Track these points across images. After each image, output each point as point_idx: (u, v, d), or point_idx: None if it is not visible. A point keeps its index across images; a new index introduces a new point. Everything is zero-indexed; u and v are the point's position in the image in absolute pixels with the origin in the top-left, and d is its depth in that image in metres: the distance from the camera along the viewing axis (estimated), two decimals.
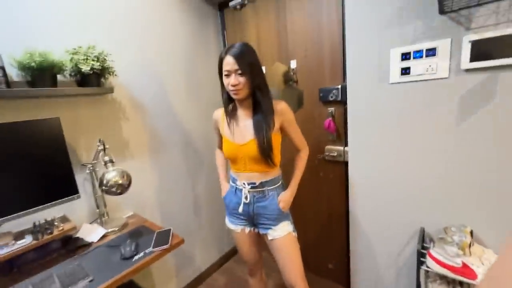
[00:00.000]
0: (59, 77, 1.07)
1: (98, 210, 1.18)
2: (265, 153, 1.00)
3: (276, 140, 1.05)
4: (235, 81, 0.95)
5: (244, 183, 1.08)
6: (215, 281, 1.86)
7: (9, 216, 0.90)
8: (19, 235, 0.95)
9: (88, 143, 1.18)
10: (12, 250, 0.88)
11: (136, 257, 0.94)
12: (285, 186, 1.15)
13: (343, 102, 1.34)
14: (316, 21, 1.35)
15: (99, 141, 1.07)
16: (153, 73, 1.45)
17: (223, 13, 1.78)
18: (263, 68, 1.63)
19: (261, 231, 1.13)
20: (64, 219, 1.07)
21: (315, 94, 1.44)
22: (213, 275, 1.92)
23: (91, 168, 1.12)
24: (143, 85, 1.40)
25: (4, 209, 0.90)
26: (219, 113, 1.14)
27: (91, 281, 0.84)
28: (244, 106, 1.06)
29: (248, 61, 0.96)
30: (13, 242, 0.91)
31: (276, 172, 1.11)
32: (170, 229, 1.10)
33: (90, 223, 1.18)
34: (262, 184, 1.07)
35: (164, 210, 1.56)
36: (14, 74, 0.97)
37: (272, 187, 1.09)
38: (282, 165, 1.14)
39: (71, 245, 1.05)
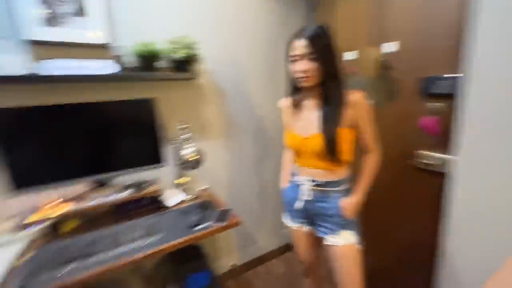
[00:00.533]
0: (157, 63, 1.28)
1: (179, 179, 1.38)
2: (329, 149, 0.90)
3: (346, 135, 0.92)
4: (304, 67, 0.86)
5: (305, 179, 1.01)
6: (274, 266, 1.90)
7: (118, 172, 1.19)
8: (123, 189, 1.23)
9: (175, 122, 1.38)
10: (119, 197, 1.15)
11: (198, 227, 1.05)
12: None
13: (454, 97, 1.02)
14: None
15: (182, 121, 1.23)
16: (235, 60, 1.53)
17: None
18: (355, 53, 1.44)
19: (319, 233, 1.04)
20: (153, 182, 1.31)
21: (413, 85, 1.15)
22: (273, 261, 1.96)
23: (176, 143, 1.30)
24: (225, 71, 1.50)
25: (114, 165, 1.18)
26: (286, 103, 1.08)
27: (162, 237, 1.00)
28: (312, 96, 0.96)
29: (322, 45, 0.85)
30: (119, 193, 1.18)
31: (343, 173, 0.98)
32: (231, 209, 1.17)
33: (172, 190, 1.40)
34: (325, 184, 0.97)
35: (232, 190, 1.68)
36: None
37: (336, 189, 0.97)
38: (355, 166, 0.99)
39: (155, 204, 1.27)
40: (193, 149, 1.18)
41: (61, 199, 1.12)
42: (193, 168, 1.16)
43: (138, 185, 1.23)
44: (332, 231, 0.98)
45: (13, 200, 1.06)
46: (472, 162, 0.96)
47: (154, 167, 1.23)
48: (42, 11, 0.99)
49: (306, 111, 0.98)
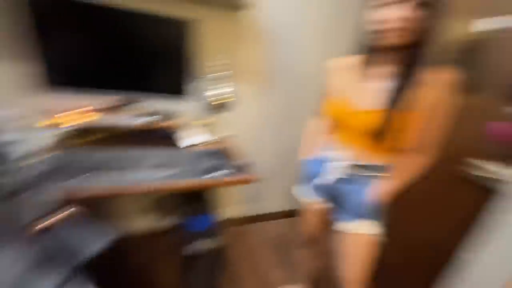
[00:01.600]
0: None
1: (202, 120, 1.31)
2: (382, 131, 0.74)
3: (412, 121, 0.73)
4: (404, 13, 0.63)
5: (340, 156, 0.88)
6: (273, 227, 1.93)
7: (145, 93, 1.14)
8: (147, 114, 1.18)
9: (214, 54, 1.25)
10: (143, 122, 1.12)
11: (212, 174, 1.01)
12: None
13: None
14: None
15: (221, 55, 1.10)
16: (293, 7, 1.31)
17: None
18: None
19: (337, 215, 0.96)
20: (178, 115, 1.25)
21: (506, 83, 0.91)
22: (274, 222, 1.99)
23: (211, 79, 1.19)
24: (280, 11, 1.31)
25: (143, 85, 1.13)
26: (340, 64, 0.88)
27: (176, 173, 0.97)
28: (386, 61, 0.74)
29: None
30: (142, 117, 1.14)
31: (387, 160, 0.83)
32: (253, 163, 1.11)
33: (195, 128, 1.35)
34: (359, 167, 0.84)
35: (255, 142, 1.63)
36: None
37: (375, 174, 0.84)
38: None
39: (174, 138, 1.23)
40: (229, 89, 1.07)
41: (89, 108, 1.10)
42: (224, 110, 1.07)
43: (162, 115, 1.18)
44: (352, 216, 0.90)
45: (45, 97, 1.05)
46: None
47: (181, 99, 1.16)
48: None
49: (369, 79, 0.80)
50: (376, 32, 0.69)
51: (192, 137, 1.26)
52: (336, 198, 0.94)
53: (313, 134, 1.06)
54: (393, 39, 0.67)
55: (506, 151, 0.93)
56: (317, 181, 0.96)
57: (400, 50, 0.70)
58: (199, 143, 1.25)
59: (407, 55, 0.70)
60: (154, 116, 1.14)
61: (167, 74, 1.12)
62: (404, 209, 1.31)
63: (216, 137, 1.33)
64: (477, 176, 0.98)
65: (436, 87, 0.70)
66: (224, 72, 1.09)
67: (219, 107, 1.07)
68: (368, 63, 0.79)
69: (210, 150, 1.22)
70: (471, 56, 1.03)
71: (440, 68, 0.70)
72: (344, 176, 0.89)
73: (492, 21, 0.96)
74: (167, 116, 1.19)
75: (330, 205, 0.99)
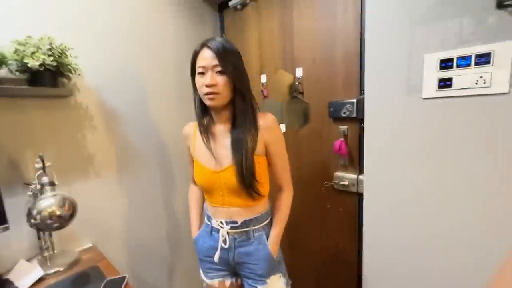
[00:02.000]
0: (3, 72, 0.86)
1: (40, 242, 0.92)
2: (246, 183, 0.75)
3: (263, 164, 0.81)
4: (212, 81, 0.71)
5: (221, 222, 0.82)
6: None
7: None
8: None
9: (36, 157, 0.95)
10: None
11: None
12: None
13: (358, 120, 1.08)
14: (328, 20, 1.12)
15: (39, 157, 0.82)
16: (133, 76, 1.23)
17: (222, 15, 1.59)
18: (264, 76, 1.42)
19: (246, 286, 0.85)
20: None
21: (324, 109, 1.18)
22: None
23: (35, 188, 0.87)
24: (119, 89, 1.18)
25: None
26: (191, 129, 0.89)
27: None
28: (222, 119, 0.81)
29: (231, 59, 0.73)
30: None
31: (263, 206, 0.85)
32: (124, 277, 0.83)
33: (29, 260, 0.92)
34: (245, 223, 0.81)
35: (134, 240, 1.28)
36: None
37: (258, 226, 0.83)
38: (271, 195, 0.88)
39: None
40: (54, 199, 0.78)
41: None
42: (58, 227, 0.77)
43: None
44: (260, 280, 0.82)
45: None
46: (375, 180, 1.01)
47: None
48: None
49: (217, 138, 0.82)
50: (204, 94, 0.74)
51: (26, 276, 0.84)
52: (238, 267, 0.85)
53: (193, 204, 0.99)
54: (213, 102, 0.74)
55: (345, 162, 1.16)
56: (215, 256, 0.83)
57: (225, 109, 0.79)
58: (41, 279, 0.84)
59: (231, 113, 0.79)
60: None
61: None
62: (297, 237, 1.38)
63: (72, 258, 0.96)
64: (343, 185, 1.15)
65: (267, 129, 0.79)
66: (47, 177, 0.82)
67: (50, 223, 0.76)
68: (207, 124, 0.83)
69: (62, 281, 0.84)
70: (295, 95, 1.29)
71: (264, 114, 0.81)
72: (232, 243, 0.82)
73: (297, 70, 1.26)
74: None
75: (235, 277, 0.89)
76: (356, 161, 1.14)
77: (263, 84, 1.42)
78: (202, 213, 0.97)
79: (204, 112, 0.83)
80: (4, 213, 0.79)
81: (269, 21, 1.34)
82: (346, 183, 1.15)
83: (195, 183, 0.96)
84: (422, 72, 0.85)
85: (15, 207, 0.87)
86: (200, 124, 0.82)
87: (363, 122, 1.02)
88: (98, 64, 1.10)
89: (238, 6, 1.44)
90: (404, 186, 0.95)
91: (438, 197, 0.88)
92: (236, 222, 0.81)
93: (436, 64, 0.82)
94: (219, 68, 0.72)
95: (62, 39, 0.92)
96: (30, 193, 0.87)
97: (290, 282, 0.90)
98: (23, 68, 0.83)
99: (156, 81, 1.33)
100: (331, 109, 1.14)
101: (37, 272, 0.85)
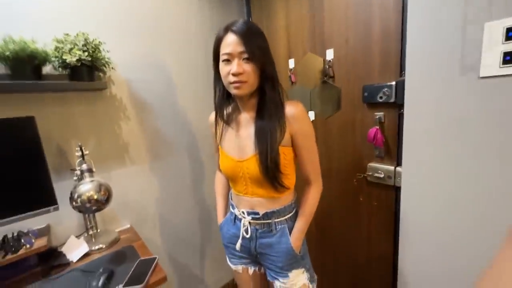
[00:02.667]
0: (49, 69, 0.95)
1: (86, 222, 1.03)
2: (269, 174, 0.72)
3: (288, 155, 0.76)
4: (238, 69, 0.67)
5: (243, 212, 0.81)
6: None
7: None
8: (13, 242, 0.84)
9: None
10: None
11: None
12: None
13: (397, 105, 0.96)
14: None
15: (78, 146, 0.90)
16: (162, 68, 1.27)
17: (248, 0, 1.52)
18: (291, 61, 1.35)
19: (268, 277, 0.85)
20: (43, 232, 0.94)
21: (357, 94, 1.08)
22: None
23: (75, 174, 0.97)
24: (150, 80, 1.23)
25: None
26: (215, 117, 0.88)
27: None
28: (248, 107, 0.77)
29: (258, 43, 0.68)
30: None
31: (288, 198, 0.82)
32: (155, 258, 0.88)
33: (77, 236, 1.04)
34: (267, 215, 0.79)
35: (168, 223, 1.37)
36: None
37: (281, 219, 0.80)
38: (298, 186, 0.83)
39: (48, 262, 0.91)
40: (92, 185, 0.85)
41: None
42: (96, 210, 0.85)
43: (17, 240, 0.86)
44: (281, 275, 0.80)
45: None
46: (416, 173, 0.89)
47: (40, 213, 0.87)
48: None
49: (242, 127, 0.79)
50: (229, 83, 0.71)
51: (77, 250, 0.96)
52: (259, 257, 0.84)
53: (219, 191, 1.00)
54: (240, 90, 0.70)
55: (380, 152, 1.05)
56: (236, 244, 0.84)
57: (251, 97, 0.75)
58: (85, 254, 0.95)
59: (259, 99, 0.75)
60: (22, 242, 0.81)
61: (16, 187, 0.83)
62: (327, 234, 1.32)
63: (112, 237, 1.06)
64: (377, 177, 1.06)
65: (293, 118, 0.73)
66: (87, 164, 0.89)
67: (88, 206, 0.83)
68: (233, 112, 0.81)
69: (102, 258, 0.94)
70: (326, 80, 1.19)
71: (291, 102, 0.75)
72: (254, 233, 0.81)
73: (328, 53, 1.16)
74: (25, 238, 0.87)
75: (258, 265, 0.88)
76: (393, 152, 1.02)
77: (290, 69, 1.35)
78: (227, 200, 0.97)
79: (227, 100, 0.80)
80: (54, 195, 0.89)
81: (297, 1, 1.24)
82: (381, 175, 1.04)
83: (221, 170, 0.95)
84: (480, 45, 0.70)
85: (64, 190, 0.98)
86: (221, 114, 0.80)
87: (403, 108, 0.90)
88: (129, 57, 1.15)
89: None
90: (449, 182, 0.82)
91: (492, 197, 0.75)
92: (257, 213, 0.79)
93: (501, 34, 0.67)
94: (246, 55, 0.67)
95: (96, 35, 0.97)
96: (75, 177, 0.97)
97: (315, 277, 0.86)
98: (64, 64, 0.91)
99: (183, 72, 1.35)
100: (365, 94, 1.03)
101: (84, 247, 0.96)
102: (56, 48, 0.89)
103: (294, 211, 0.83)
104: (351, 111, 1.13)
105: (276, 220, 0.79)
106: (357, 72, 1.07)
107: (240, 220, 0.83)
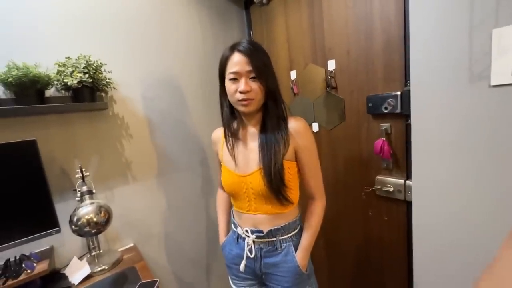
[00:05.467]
0: (52, 92, 0.97)
1: (88, 242, 1.02)
2: (274, 187, 0.71)
3: (292, 169, 0.75)
4: (246, 87, 0.68)
5: (247, 231, 0.79)
6: None
7: None
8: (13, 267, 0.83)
9: (83, 165, 1.04)
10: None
11: None
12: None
13: (404, 116, 0.92)
14: (362, 5, 0.97)
15: (78, 167, 0.90)
16: (164, 85, 1.27)
17: (249, 12, 1.53)
18: (293, 73, 1.33)
19: None
20: (46, 254, 0.94)
21: (362, 105, 1.04)
22: None
23: (77, 195, 0.96)
24: (152, 97, 1.23)
25: None
26: (219, 134, 0.87)
27: None
28: (253, 123, 0.78)
29: (263, 62, 0.70)
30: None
31: (292, 214, 0.80)
32: (156, 281, 0.86)
33: (80, 257, 1.03)
34: (271, 233, 0.77)
35: (172, 241, 1.34)
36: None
37: (286, 236, 0.78)
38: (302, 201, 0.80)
39: (50, 286, 0.90)
40: (91, 207, 0.84)
41: None
42: (96, 233, 0.84)
43: (19, 264, 0.85)
44: None
45: None
46: (427, 187, 0.84)
47: (39, 236, 0.86)
48: None
49: (244, 142, 0.79)
50: (237, 100, 0.71)
51: (77, 273, 0.94)
52: (264, 278, 0.81)
53: (221, 209, 0.99)
54: (248, 108, 0.71)
55: (388, 164, 1.01)
56: (240, 265, 0.81)
57: (256, 113, 0.76)
58: (87, 277, 0.94)
59: (263, 114, 0.76)
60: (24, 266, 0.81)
61: (18, 212, 0.83)
62: (337, 251, 1.26)
63: (115, 257, 1.04)
64: (386, 190, 1.01)
65: (296, 133, 0.74)
66: (86, 186, 0.89)
67: (88, 229, 0.82)
68: (237, 128, 0.80)
69: (104, 280, 0.92)
70: (329, 91, 1.17)
71: (294, 118, 0.76)
72: (258, 253, 0.79)
73: (329, 64, 1.13)
74: (27, 263, 0.86)
75: (263, 286, 0.86)
76: (402, 164, 0.97)
77: (292, 80, 1.33)
78: (229, 218, 0.96)
79: (232, 116, 0.81)
80: (56, 218, 0.89)
81: (297, 13, 1.23)
82: (391, 189, 0.99)
83: (223, 188, 0.95)
84: (489, 52, 0.67)
85: (68, 210, 0.97)
86: (228, 129, 0.80)
87: (409, 118, 0.86)
88: (131, 76, 1.16)
89: (264, 1, 1.36)
90: (464, 196, 0.77)
91: (509, 210, 0.69)
92: (261, 231, 0.77)
93: (511, 40, 0.63)
94: (253, 74, 0.69)
95: (98, 55, 0.99)
96: (78, 198, 0.96)
97: None
98: (66, 86, 0.92)
99: (187, 87, 1.36)
100: (370, 105, 1.00)
101: (86, 270, 0.95)
102: (58, 72, 0.91)
103: (299, 228, 0.82)
104: (355, 122, 1.09)
105: (281, 237, 0.78)
106: (360, 82, 1.04)
107: (244, 239, 0.81)
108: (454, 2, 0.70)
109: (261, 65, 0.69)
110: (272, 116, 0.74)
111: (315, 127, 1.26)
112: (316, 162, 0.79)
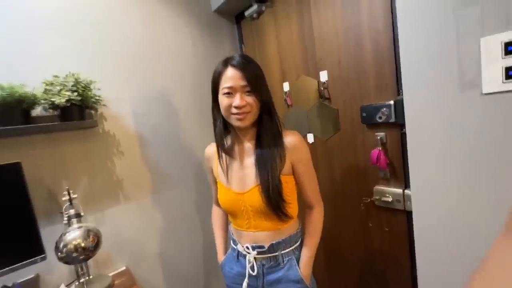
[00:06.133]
0: (39, 111, 0.94)
1: (77, 268, 0.96)
2: (273, 203, 0.70)
3: (290, 183, 0.75)
4: (241, 102, 0.67)
5: (247, 247, 0.77)
6: None
7: None
8: None
9: (72, 185, 1.00)
10: None
11: None
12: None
13: (398, 125, 0.92)
14: (351, 16, 0.99)
15: (66, 190, 0.86)
16: (155, 101, 1.25)
17: (240, 26, 1.55)
18: (286, 84, 1.33)
19: None
20: (31, 284, 0.88)
21: (356, 114, 1.04)
22: None
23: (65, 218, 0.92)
24: (144, 113, 1.21)
25: None
26: (212, 150, 0.85)
27: None
28: (247, 138, 0.77)
29: (257, 76, 0.70)
30: None
31: (293, 227, 0.79)
32: None
33: (68, 285, 0.97)
34: (273, 247, 0.75)
35: (167, 262, 1.28)
36: None
37: (288, 250, 0.76)
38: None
39: None
40: (79, 232, 0.80)
41: None
42: (84, 259, 0.79)
43: None
44: None
45: None
46: (426, 195, 0.83)
47: (23, 265, 0.81)
48: None
49: (239, 159, 0.78)
50: (231, 114, 0.71)
51: None
52: None
53: (218, 226, 0.95)
54: (243, 122, 0.70)
55: (385, 174, 0.99)
56: (243, 284, 0.78)
57: (251, 127, 0.75)
58: None
59: (257, 129, 0.75)
60: None
61: (5, 237, 0.78)
62: (336, 264, 1.22)
63: (107, 282, 0.98)
64: (385, 201, 0.99)
65: (292, 148, 0.74)
66: (73, 209, 0.85)
67: (75, 256, 0.78)
68: (231, 144, 0.79)
69: None
70: (322, 101, 1.16)
71: (289, 132, 0.76)
72: (260, 270, 0.77)
73: (322, 75, 1.14)
74: None
75: None
76: (399, 174, 0.96)
77: (286, 92, 1.33)
78: (227, 235, 0.93)
79: (226, 131, 0.79)
80: (41, 245, 0.83)
81: (287, 25, 1.25)
82: (389, 199, 0.98)
83: (218, 204, 0.92)
84: (478, 61, 0.67)
85: (54, 235, 0.92)
86: (222, 145, 0.78)
87: (404, 127, 0.86)
88: (122, 92, 1.14)
89: (254, 15, 1.38)
90: (463, 204, 0.75)
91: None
92: (263, 247, 0.75)
93: (500, 48, 0.64)
94: (248, 88, 0.68)
95: (88, 73, 0.97)
96: (65, 221, 0.92)
97: None
98: (53, 105, 0.89)
99: (178, 102, 1.34)
100: (364, 115, 0.99)
101: None
102: (45, 91, 0.88)
103: (300, 241, 0.80)
104: (351, 132, 1.08)
105: (283, 251, 0.76)
106: (353, 92, 1.04)
107: (244, 256, 0.78)
108: (440, 13, 0.72)
109: (255, 79, 0.69)
110: (267, 130, 0.73)
111: (310, 138, 1.25)
112: (312, 171, 0.79)
